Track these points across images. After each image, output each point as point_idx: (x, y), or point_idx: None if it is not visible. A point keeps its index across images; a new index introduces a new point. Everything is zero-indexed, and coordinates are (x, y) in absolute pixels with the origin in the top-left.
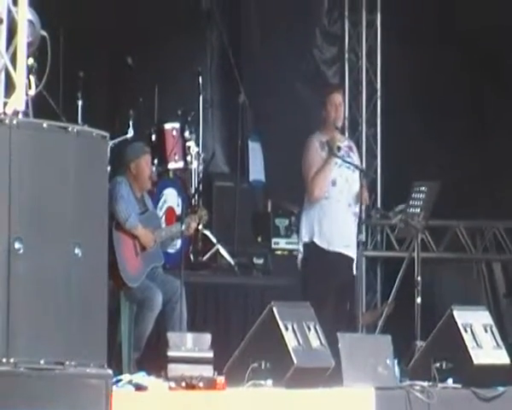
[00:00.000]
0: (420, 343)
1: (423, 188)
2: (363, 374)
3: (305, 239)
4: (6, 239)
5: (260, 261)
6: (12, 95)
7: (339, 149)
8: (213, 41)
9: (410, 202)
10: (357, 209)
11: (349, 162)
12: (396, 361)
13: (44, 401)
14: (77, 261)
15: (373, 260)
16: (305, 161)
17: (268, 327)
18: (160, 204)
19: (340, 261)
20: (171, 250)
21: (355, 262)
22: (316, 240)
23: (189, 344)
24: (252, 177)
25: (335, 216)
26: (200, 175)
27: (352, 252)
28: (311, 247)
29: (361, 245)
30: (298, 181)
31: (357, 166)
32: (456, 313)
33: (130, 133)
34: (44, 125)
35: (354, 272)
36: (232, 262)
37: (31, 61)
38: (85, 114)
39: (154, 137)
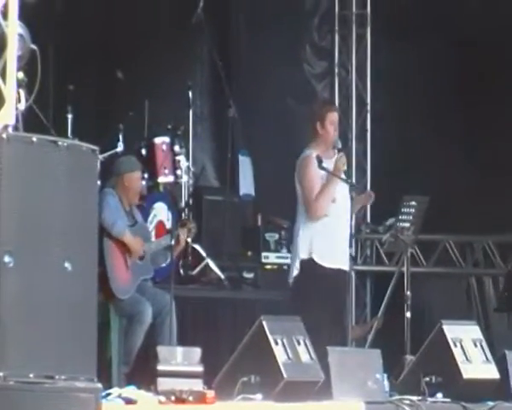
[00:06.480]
0: (409, 358)
1: (413, 202)
2: (353, 388)
3: (304, 256)
4: None
5: (250, 275)
6: (1, 109)
7: (345, 173)
8: (203, 55)
9: (400, 217)
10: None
11: (350, 183)
12: (385, 375)
13: None
14: (67, 275)
15: (362, 275)
16: (306, 179)
17: (258, 341)
18: (151, 218)
19: (341, 278)
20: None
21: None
22: (314, 256)
23: (178, 358)
24: (242, 191)
25: (336, 233)
26: (190, 189)
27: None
28: (309, 263)
29: (351, 259)
30: (288, 195)
31: (353, 185)
32: (445, 328)
33: (120, 147)
34: (34, 139)
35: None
36: (222, 276)
37: (20, 74)
38: (75, 128)
39: (143, 151)
